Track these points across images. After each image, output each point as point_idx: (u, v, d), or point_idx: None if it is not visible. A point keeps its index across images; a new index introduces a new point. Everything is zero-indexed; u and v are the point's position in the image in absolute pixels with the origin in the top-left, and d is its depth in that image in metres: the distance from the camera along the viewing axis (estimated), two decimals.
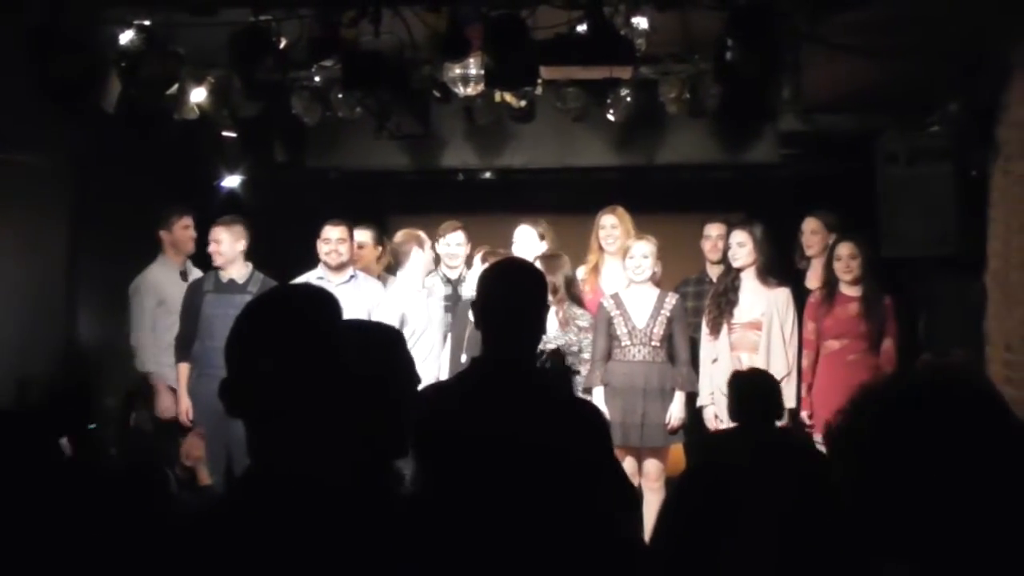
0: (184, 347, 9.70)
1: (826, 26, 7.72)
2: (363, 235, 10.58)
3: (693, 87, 9.96)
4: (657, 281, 9.38)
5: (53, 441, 5.36)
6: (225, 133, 10.86)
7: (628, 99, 10.09)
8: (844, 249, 9.23)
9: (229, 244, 9.68)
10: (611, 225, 9.96)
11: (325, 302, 2.83)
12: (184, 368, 9.65)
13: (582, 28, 7.77)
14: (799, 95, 9.50)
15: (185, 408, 9.52)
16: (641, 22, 8.24)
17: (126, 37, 8.31)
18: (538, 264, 9.18)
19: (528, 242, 9.82)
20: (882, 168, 9.12)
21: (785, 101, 9.61)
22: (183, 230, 10.33)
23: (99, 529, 4.48)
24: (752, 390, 6.92)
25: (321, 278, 9.68)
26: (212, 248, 9.73)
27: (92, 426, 6.35)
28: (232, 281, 9.62)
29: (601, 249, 10.07)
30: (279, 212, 11.61)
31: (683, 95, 10.04)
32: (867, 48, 7.98)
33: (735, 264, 9.46)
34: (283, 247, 10.50)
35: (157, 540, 4.26)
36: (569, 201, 12.09)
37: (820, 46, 8.09)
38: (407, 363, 3.28)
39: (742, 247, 9.41)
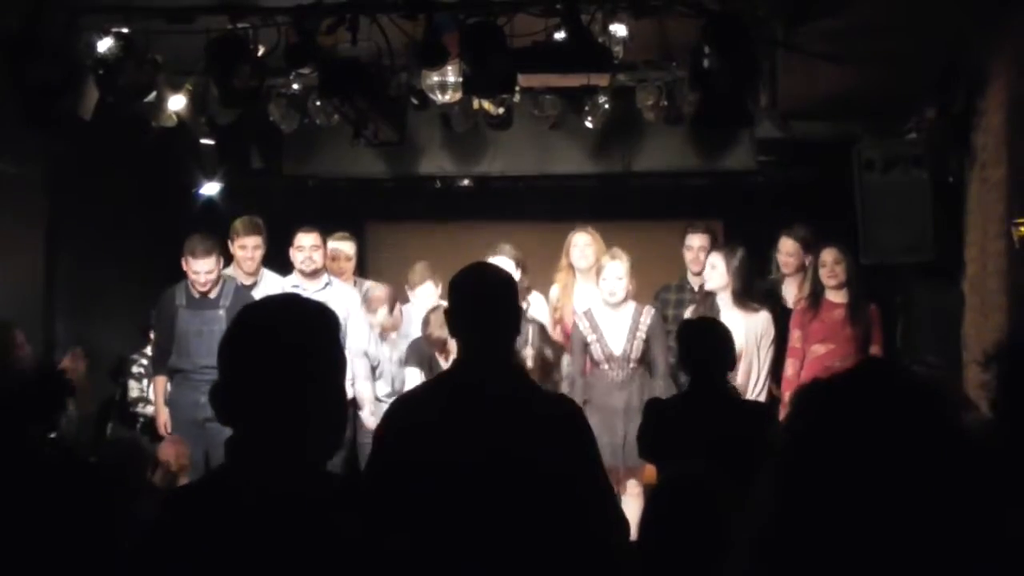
0: (160, 360, 9.65)
1: (802, 33, 7.74)
2: (347, 246, 10.59)
3: (670, 94, 9.98)
4: (633, 296, 9.29)
5: (25, 434, 5.33)
6: (202, 140, 10.83)
7: (605, 106, 10.10)
8: (828, 255, 9.23)
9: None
10: (584, 244, 9.86)
11: (320, 314, 2.84)
12: (161, 381, 9.60)
13: (559, 35, 7.79)
14: (776, 102, 9.50)
15: (163, 420, 9.47)
16: (618, 29, 8.26)
17: (103, 44, 8.29)
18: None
19: None
20: (859, 175, 9.12)
21: (762, 108, 9.61)
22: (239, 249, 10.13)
23: (65, 522, 4.47)
24: (701, 338, 6.56)
25: (296, 286, 9.65)
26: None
27: (52, 435, 6.28)
28: (205, 296, 9.56)
29: (571, 267, 9.99)
30: None
31: (660, 102, 10.05)
32: (843, 55, 8.01)
33: (707, 286, 9.43)
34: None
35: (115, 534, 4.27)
36: (546, 208, 12.10)
37: (796, 53, 8.11)
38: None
39: (714, 269, 9.34)
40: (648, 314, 9.12)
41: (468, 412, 4.22)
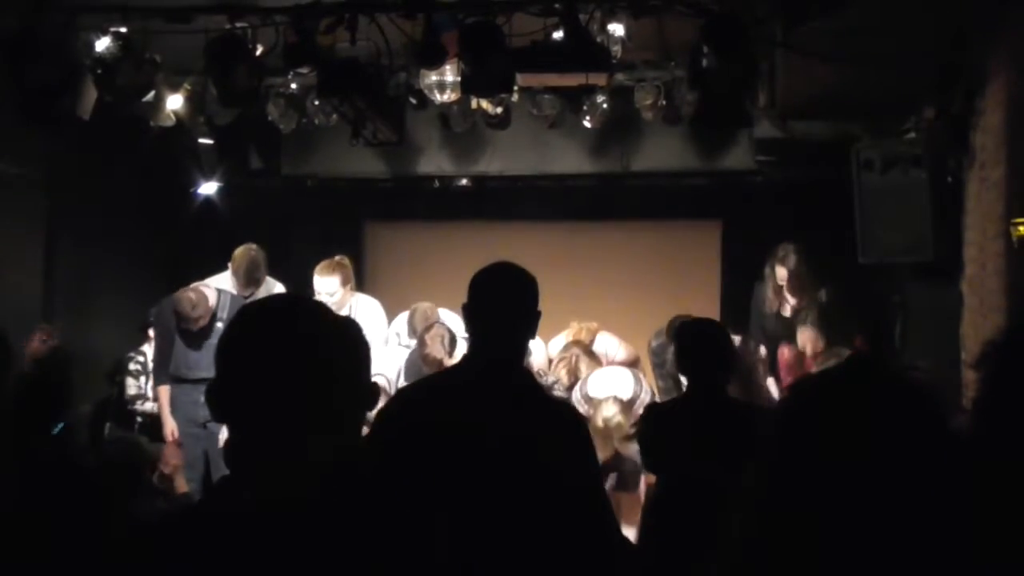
0: (162, 368, 9.65)
1: (801, 33, 7.73)
2: (330, 284, 10.01)
3: (669, 94, 9.98)
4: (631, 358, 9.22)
5: (24, 438, 5.33)
6: (201, 140, 10.84)
7: (604, 106, 10.09)
8: (806, 340, 9.30)
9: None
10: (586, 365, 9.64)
11: (318, 313, 2.82)
12: (164, 390, 9.58)
13: (558, 35, 7.78)
14: (774, 102, 9.49)
15: (171, 429, 9.44)
16: (617, 29, 8.26)
17: (102, 44, 8.28)
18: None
19: None
20: (858, 175, 9.11)
21: (761, 108, 9.61)
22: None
23: (63, 527, 4.47)
24: (699, 339, 6.46)
25: None
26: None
27: (59, 427, 6.28)
28: None
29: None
30: (255, 219, 11.61)
31: (659, 102, 10.05)
32: (842, 55, 8.00)
33: None
34: None
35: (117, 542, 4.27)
36: (545, 208, 12.10)
37: (795, 53, 8.10)
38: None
39: None
40: (646, 397, 8.97)
41: (468, 412, 4.23)
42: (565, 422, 4.45)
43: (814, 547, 2.01)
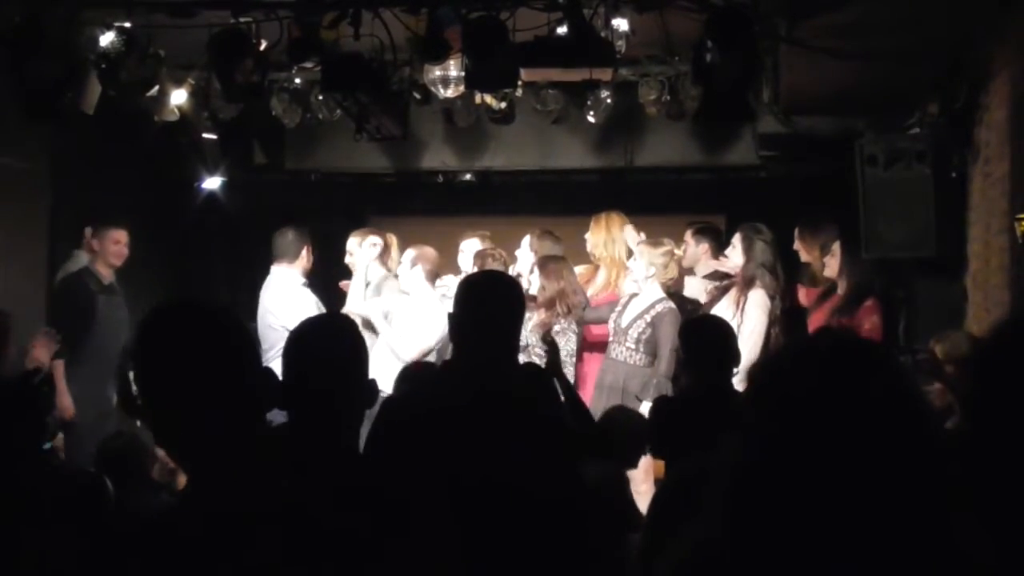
0: (78, 343, 9.56)
1: (805, 28, 7.73)
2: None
3: (672, 89, 9.98)
4: (671, 285, 9.33)
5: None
6: (205, 135, 10.84)
7: (608, 101, 10.10)
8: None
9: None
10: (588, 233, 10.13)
11: (226, 314, 2.87)
12: (62, 364, 9.42)
13: (562, 30, 7.78)
14: (778, 97, 9.49)
15: (67, 405, 9.36)
16: (621, 24, 8.25)
17: (106, 39, 8.28)
18: (535, 271, 9.23)
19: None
20: (861, 170, 9.10)
21: (764, 103, 9.61)
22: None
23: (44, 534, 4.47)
24: (703, 338, 6.44)
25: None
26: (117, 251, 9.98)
27: (47, 446, 6.25)
28: (112, 284, 9.85)
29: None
30: (258, 214, 11.61)
31: (663, 97, 10.04)
32: (846, 50, 8.00)
33: (727, 266, 9.49)
34: (261, 249, 10.48)
35: (100, 545, 4.27)
36: (548, 203, 12.10)
37: (799, 48, 8.10)
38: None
39: (733, 248, 9.47)
40: (664, 304, 9.12)
41: (462, 418, 4.23)
42: (553, 430, 4.45)
43: (792, 517, 2.02)
